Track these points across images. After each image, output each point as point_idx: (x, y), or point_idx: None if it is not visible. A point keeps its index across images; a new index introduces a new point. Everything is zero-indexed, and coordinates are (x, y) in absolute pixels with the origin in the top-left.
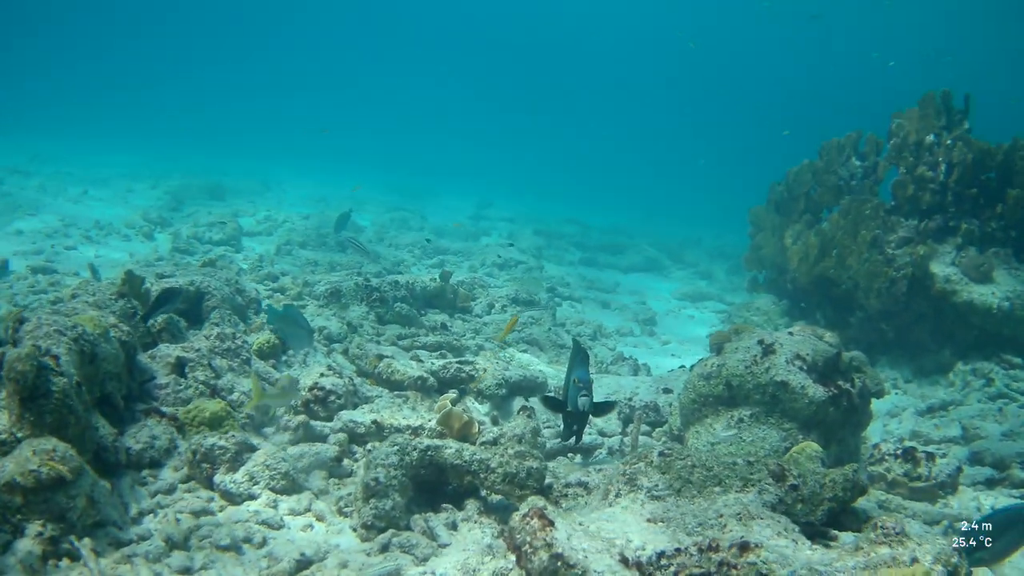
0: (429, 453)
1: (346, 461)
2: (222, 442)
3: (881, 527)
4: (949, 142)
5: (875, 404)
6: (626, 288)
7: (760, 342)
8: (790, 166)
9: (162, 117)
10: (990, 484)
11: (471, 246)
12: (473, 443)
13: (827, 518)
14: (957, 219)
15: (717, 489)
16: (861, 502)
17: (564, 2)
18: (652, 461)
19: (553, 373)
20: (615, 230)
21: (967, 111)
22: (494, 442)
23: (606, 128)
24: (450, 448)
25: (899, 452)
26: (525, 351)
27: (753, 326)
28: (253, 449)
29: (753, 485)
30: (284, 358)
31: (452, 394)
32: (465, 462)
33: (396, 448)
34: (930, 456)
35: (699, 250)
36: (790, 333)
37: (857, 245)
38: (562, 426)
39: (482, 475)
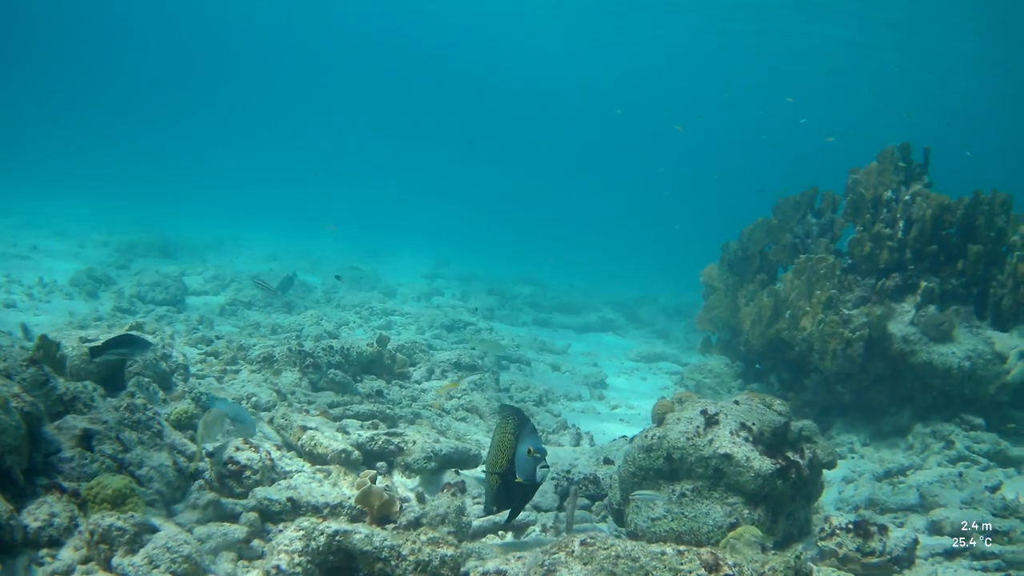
0: (337, 538)
1: (257, 542)
2: (120, 523)
3: None
4: (908, 198)
5: (831, 469)
6: (579, 349)
7: (703, 412)
8: (749, 221)
9: (122, 174)
10: (949, 556)
11: (420, 308)
12: (394, 522)
13: None
14: (916, 277)
15: None
16: None
17: (526, 59)
18: (573, 551)
19: (487, 442)
20: (572, 290)
21: (927, 165)
22: (416, 522)
23: (566, 187)
24: (359, 533)
25: (850, 526)
26: (464, 418)
27: (705, 389)
28: (155, 530)
29: None
30: None
31: (371, 472)
32: (375, 548)
33: (301, 533)
34: (883, 529)
35: (655, 308)
36: (735, 402)
37: (812, 306)
38: (491, 499)
39: (393, 563)
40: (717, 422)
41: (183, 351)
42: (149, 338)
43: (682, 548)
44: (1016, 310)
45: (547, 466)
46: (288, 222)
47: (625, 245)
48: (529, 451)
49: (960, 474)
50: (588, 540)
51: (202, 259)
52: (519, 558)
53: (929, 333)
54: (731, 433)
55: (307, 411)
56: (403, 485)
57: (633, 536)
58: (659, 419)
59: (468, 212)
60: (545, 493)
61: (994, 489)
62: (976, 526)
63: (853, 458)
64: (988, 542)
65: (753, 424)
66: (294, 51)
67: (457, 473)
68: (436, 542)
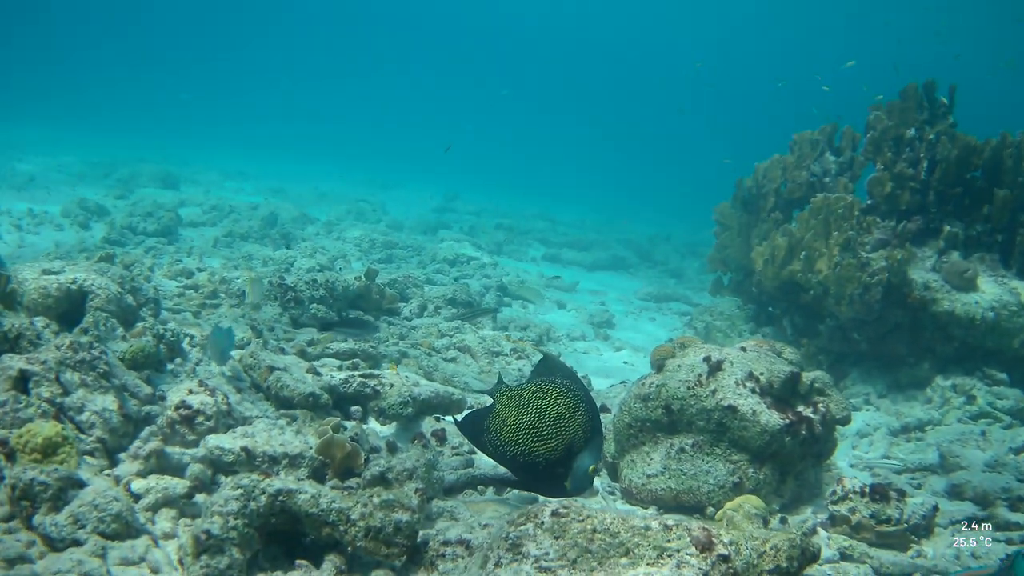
0: (280, 499)
1: (202, 497)
2: (42, 477)
3: None
4: (932, 137)
5: (845, 425)
6: (588, 287)
7: (707, 359)
8: (765, 158)
9: (131, 107)
10: (970, 523)
11: (423, 241)
12: (359, 475)
13: None
14: (939, 221)
15: (624, 561)
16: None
17: None
18: (543, 522)
19: (480, 385)
20: (584, 226)
21: (952, 104)
22: (381, 476)
23: (580, 120)
24: (305, 493)
25: (865, 490)
26: (455, 359)
27: (715, 332)
28: (83, 485)
29: (670, 556)
30: (170, 367)
31: (333, 419)
32: (322, 511)
33: (239, 492)
34: (901, 494)
35: (669, 247)
36: (743, 348)
37: (828, 248)
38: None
39: (341, 527)
40: (721, 370)
41: (160, 284)
42: (115, 270)
43: (670, 522)
44: None
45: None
46: (296, 155)
47: (641, 181)
48: (592, 469)
49: (983, 432)
50: (560, 510)
51: (204, 191)
52: (485, 526)
53: (952, 281)
54: (736, 383)
55: (283, 349)
56: (376, 433)
57: (627, 494)
58: (658, 365)
59: (481, 147)
60: None
61: (1019, 451)
62: (1000, 492)
63: (868, 410)
64: (1013, 510)
65: (761, 374)
66: None
67: (437, 420)
68: (390, 506)
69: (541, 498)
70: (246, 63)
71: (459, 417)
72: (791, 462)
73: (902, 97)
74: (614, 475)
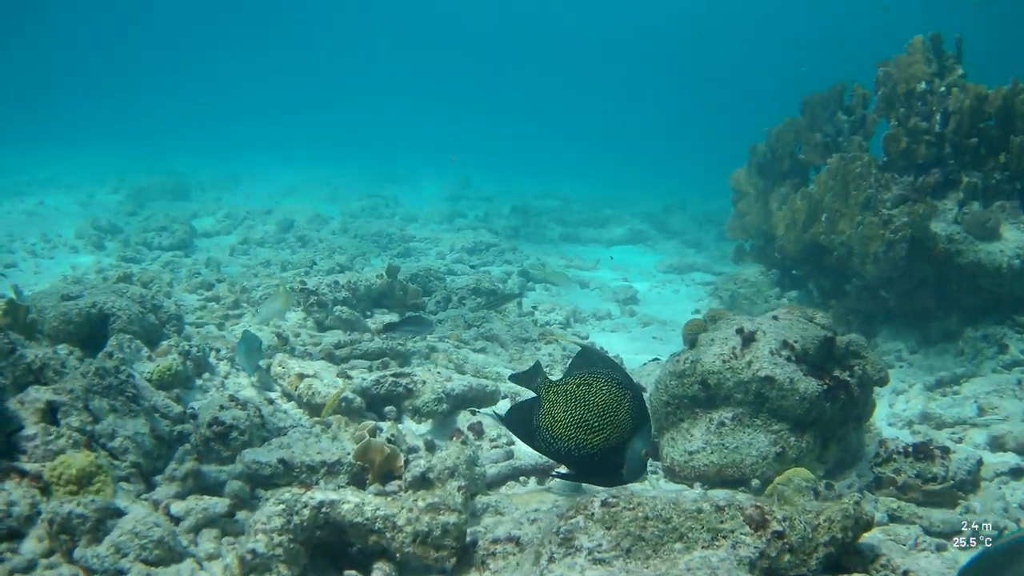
0: (324, 511)
1: (244, 514)
2: (79, 509)
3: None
4: (943, 89)
5: (883, 385)
6: (608, 264)
7: (739, 331)
8: (777, 122)
9: (134, 119)
10: (1016, 475)
11: (439, 231)
12: (399, 478)
13: (824, 566)
14: (957, 172)
15: (678, 546)
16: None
17: None
18: (593, 513)
19: (509, 373)
20: (599, 201)
21: (960, 55)
22: (422, 477)
23: (587, 96)
24: (349, 502)
25: (908, 450)
26: (483, 349)
27: (741, 299)
28: (120, 514)
29: (725, 537)
30: (199, 383)
31: (369, 423)
32: (367, 519)
33: (281, 507)
34: (945, 451)
35: (685, 216)
36: (774, 317)
37: (848, 207)
38: (576, 468)
39: (388, 534)
40: (755, 340)
41: (181, 299)
42: (135, 289)
43: (721, 503)
44: None
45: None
46: (306, 154)
47: (651, 154)
48: (645, 453)
49: (1019, 381)
50: (610, 500)
51: (216, 198)
52: (533, 521)
53: (974, 231)
54: (771, 353)
55: (310, 354)
56: (412, 432)
57: (670, 472)
58: (691, 341)
59: (490, 131)
60: None
61: None
62: None
63: (901, 367)
64: None
65: (795, 341)
66: None
67: (473, 413)
68: (436, 508)
69: (584, 485)
70: (247, 63)
71: (501, 413)
72: (832, 427)
73: (909, 51)
74: (655, 454)
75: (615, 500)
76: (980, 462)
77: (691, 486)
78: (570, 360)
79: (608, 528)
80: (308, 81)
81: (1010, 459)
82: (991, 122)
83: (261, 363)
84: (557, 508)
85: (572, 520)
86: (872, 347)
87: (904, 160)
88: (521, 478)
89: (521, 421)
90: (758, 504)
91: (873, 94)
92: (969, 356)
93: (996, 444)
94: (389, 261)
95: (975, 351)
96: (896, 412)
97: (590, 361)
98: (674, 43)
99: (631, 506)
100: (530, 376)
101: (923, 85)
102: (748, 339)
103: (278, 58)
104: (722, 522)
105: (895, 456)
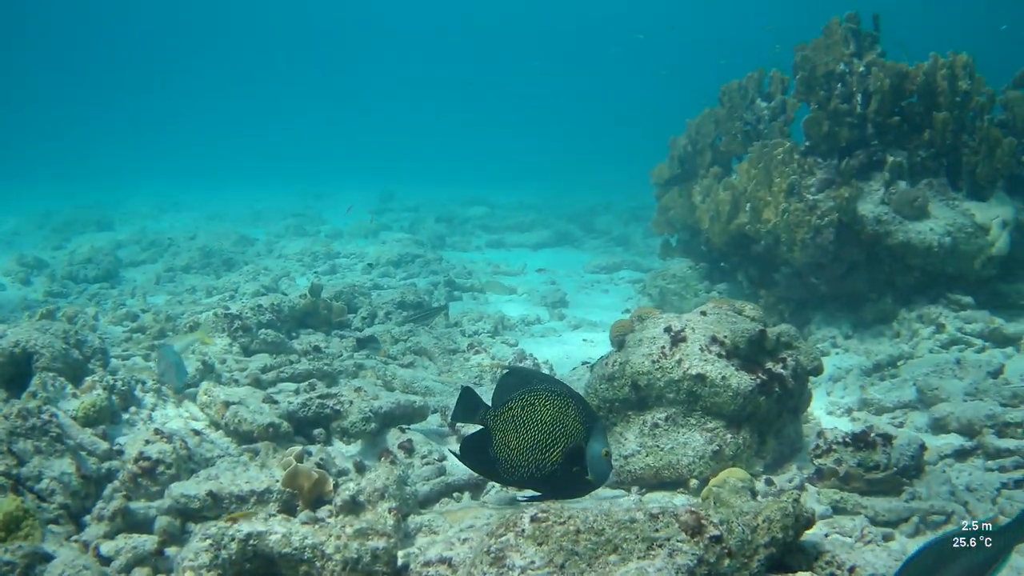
0: (251, 543)
1: (173, 549)
2: (7, 556)
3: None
4: (862, 69)
5: (817, 375)
6: (535, 268)
7: (667, 329)
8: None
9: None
10: (960, 456)
11: (364, 246)
12: (330, 502)
13: (767, 567)
14: (882, 152)
15: (613, 558)
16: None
17: None
18: (523, 529)
19: (441, 388)
20: (525, 206)
21: (878, 33)
22: (352, 501)
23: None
24: (276, 533)
25: (848, 439)
26: (411, 363)
27: (670, 295)
28: (49, 559)
29: (661, 546)
30: (126, 417)
31: (296, 448)
32: (296, 549)
33: (208, 542)
34: (886, 438)
35: (612, 215)
36: (702, 313)
37: (773, 195)
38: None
39: (318, 563)
40: (684, 339)
41: (107, 331)
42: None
43: (655, 511)
44: (992, 177)
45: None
46: (228, 178)
47: (576, 156)
48: (605, 452)
49: (957, 360)
50: (539, 515)
51: (142, 228)
52: (465, 540)
53: (903, 211)
54: (701, 349)
55: (236, 380)
56: (342, 454)
57: None
58: (619, 342)
59: (412, 142)
60: None
61: (996, 373)
62: (985, 420)
63: (837, 353)
64: (1001, 436)
65: (725, 336)
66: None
67: (403, 431)
68: (365, 534)
69: (521, 500)
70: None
71: (434, 430)
72: (768, 421)
73: (825, 33)
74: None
75: (544, 514)
76: (923, 446)
77: (628, 491)
78: (497, 382)
79: (540, 544)
80: (230, 107)
81: (953, 440)
82: (914, 99)
83: (189, 392)
84: (488, 526)
85: (502, 538)
86: (806, 335)
87: (827, 143)
88: (455, 494)
89: (478, 459)
90: (693, 510)
91: (792, 79)
92: (906, 338)
93: (938, 426)
94: (312, 279)
95: (911, 332)
96: (835, 400)
97: (524, 379)
98: (598, 44)
99: (562, 520)
100: (469, 409)
101: (842, 66)
102: (677, 337)
103: (201, 83)
104: (657, 530)
105: (835, 446)
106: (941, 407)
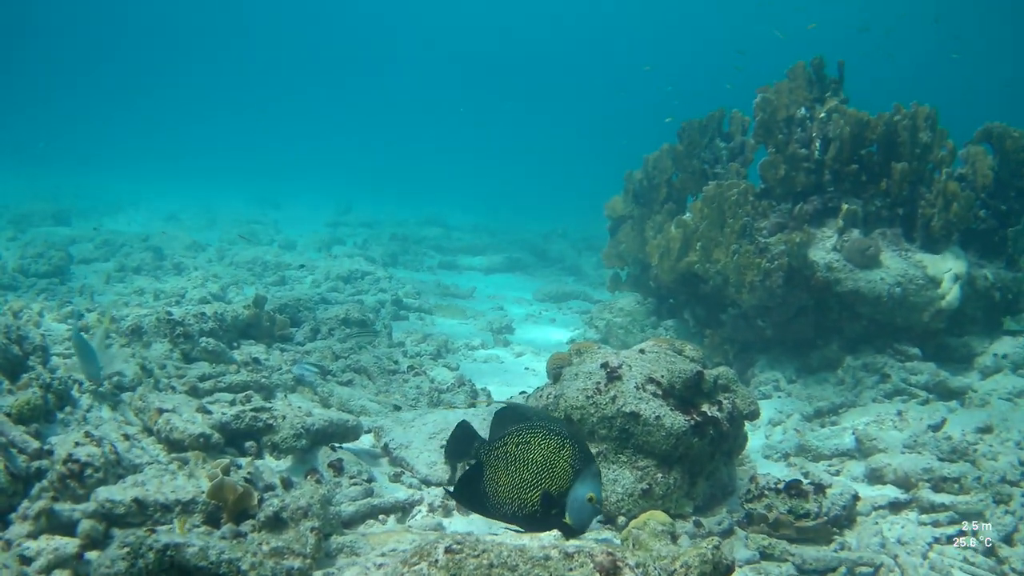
0: (168, 554)
1: (94, 554)
2: None
3: None
4: (823, 115)
5: (753, 420)
6: (486, 292)
7: (604, 365)
8: (656, 149)
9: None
10: (895, 508)
11: (317, 259)
12: (253, 517)
13: None
14: (837, 199)
15: None
16: None
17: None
18: (437, 560)
19: (377, 408)
20: (481, 229)
21: (841, 79)
22: (275, 517)
23: (472, 125)
24: (193, 546)
25: (780, 486)
26: (350, 381)
27: (616, 329)
28: None
29: None
30: (60, 416)
31: (223, 461)
32: (211, 563)
33: (126, 550)
34: (819, 488)
35: (565, 243)
36: (641, 351)
37: (724, 236)
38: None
39: None
40: (620, 376)
41: (50, 328)
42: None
43: (570, 549)
44: (947, 230)
45: (602, 515)
46: (189, 181)
47: (536, 179)
48: (591, 498)
49: (899, 412)
50: (454, 546)
51: (98, 224)
52: (380, 566)
53: (854, 259)
54: (636, 388)
55: (173, 387)
56: (271, 469)
57: None
58: (555, 375)
59: (373, 157)
60: (435, 465)
61: (937, 427)
62: (922, 473)
63: (779, 397)
64: (937, 491)
65: (662, 376)
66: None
67: (333, 449)
68: (280, 552)
69: (448, 527)
70: (134, 87)
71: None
72: (701, 463)
73: (790, 76)
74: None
75: (459, 546)
76: (856, 496)
77: None
78: (495, 416)
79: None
80: (196, 108)
81: (889, 492)
82: (873, 148)
83: (124, 397)
84: (404, 553)
85: (416, 567)
86: (750, 377)
87: (783, 187)
88: (381, 516)
89: (471, 496)
90: (610, 551)
91: (752, 120)
92: (850, 385)
93: (875, 476)
94: (257, 291)
95: (856, 380)
96: (772, 444)
97: (523, 415)
98: (562, 72)
99: (476, 553)
100: (463, 445)
101: (803, 111)
102: (613, 375)
103: (165, 83)
104: (571, 570)
105: (766, 492)
106: (878, 458)
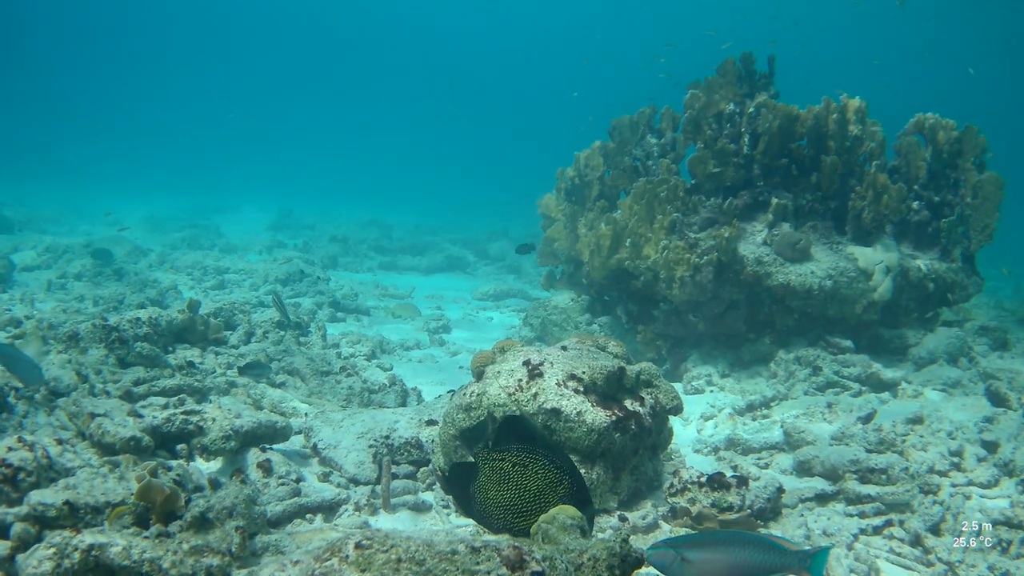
0: (93, 553)
1: (23, 557)
2: None
3: None
4: (752, 110)
5: (690, 404)
6: (424, 292)
7: (526, 363)
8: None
9: None
10: (821, 500)
11: (256, 263)
12: (180, 517)
13: None
14: (767, 193)
15: None
16: None
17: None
18: (347, 556)
19: (305, 409)
20: (423, 229)
21: (772, 74)
22: (202, 517)
23: (412, 127)
24: (116, 546)
25: (702, 479)
26: (283, 383)
27: (551, 326)
28: None
29: None
30: None
31: (151, 463)
32: (135, 562)
33: (52, 551)
34: (741, 481)
35: (506, 242)
36: (563, 348)
37: (654, 232)
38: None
39: None
40: (541, 374)
41: None
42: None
43: (477, 544)
44: (878, 223)
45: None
46: (130, 187)
47: (479, 179)
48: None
49: (829, 404)
50: (364, 542)
51: (40, 231)
52: (296, 563)
53: (784, 253)
54: (558, 384)
55: (108, 392)
56: (201, 471)
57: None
58: (478, 373)
59: (314, 160)
60: (363, 464)
61: (867, 419)
62: (849, 465)
63: (712, 391)
64: (864, 482)
65: (583, 372)
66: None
67: (263, 451)
68: (200, 551)
69: (374, 525)
70: (79, 92)
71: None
72: (624, 458)
73: (720, 72)
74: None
75: (368, 542)
76: (780, 489)
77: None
78: (501, 422)
79: (363, 571)
80: (139, 113)
81: (816, 484)
82: (803, 142)
83: (59, 403)
84: (317, 549)
85: (327, 563)
86: (682, 372)
87: (712, 183)
88: (308, 515)
89: (461, 486)
90: (516, 545)
91: (683, 116)
92: (782, 379)
93: (803, 469)
94: (190, 296)
95: (788, 373)
96: (703, 438)
97: (530, 435)
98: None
99: (385, 548)
100: (475, 435)
101: (731, 106)
102: (534, 372)
103: (109, 88)
104: (478, 564)
105: (690, 486)
106: (806, 450)
